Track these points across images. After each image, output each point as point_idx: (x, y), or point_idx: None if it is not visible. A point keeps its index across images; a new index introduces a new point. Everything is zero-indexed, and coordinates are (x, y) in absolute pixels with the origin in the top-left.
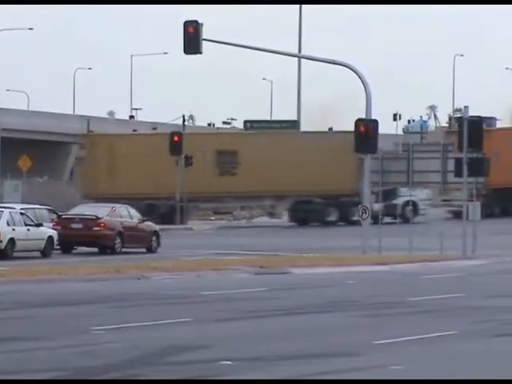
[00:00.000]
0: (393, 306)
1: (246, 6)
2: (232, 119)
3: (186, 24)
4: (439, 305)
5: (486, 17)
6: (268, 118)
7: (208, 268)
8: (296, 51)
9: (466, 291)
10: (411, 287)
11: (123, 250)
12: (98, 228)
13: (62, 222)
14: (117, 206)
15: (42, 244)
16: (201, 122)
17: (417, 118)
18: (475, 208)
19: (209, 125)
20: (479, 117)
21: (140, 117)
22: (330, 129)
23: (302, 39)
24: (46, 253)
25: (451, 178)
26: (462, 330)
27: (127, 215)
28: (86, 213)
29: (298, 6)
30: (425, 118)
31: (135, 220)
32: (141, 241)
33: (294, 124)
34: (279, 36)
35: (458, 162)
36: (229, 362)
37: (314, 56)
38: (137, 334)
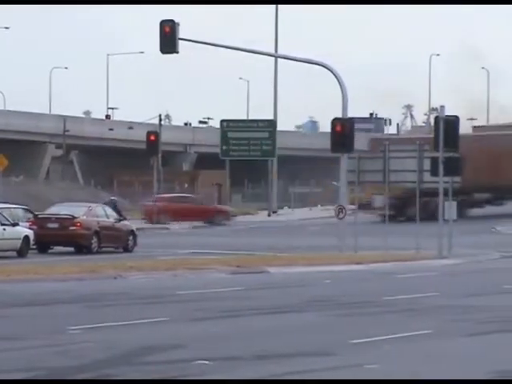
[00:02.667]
0: (368, 306)
1: (222, 6)
2: (208, 118)
3: (163, 23)
4: (414, 304)
5: (462, 16)
6: (245, 118)
7: (184, 267)
8: (273, 51)
9: (441, 290)
10: (387, 286)
11: (100, 249)
12: (74, 228)
13: (38, 222)
14: (93, 205)
15: (18, 244)
16: (177, 121)
17: (394, 118)
18: (451, 207)
19: (185, 124)
20: (456, 116)
21: (116, 116)
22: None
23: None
24: (22, 252)
25: (427, 177)
26: (437, 329)
27: (104, 215)
28: (62, 212)
29: (274, 5)
30: (315, 119)
31: (112, 219)
32: (117, 240)
33: (271, 123)
34: (256, 35)
35: (434, 161)
36: (205, 362)
37: (290, 55)
38: (113, 333)
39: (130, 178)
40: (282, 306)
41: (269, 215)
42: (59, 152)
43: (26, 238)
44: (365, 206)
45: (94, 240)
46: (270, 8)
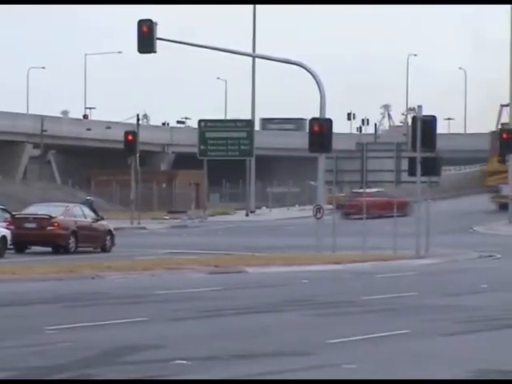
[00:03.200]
0: (346, 305)
1: (200, 6)
2: (186, 118)
3: (140, 23)
4: (392, 304)
5: (438, 16)
6: (223, 117)
7: (162, 267)
8: (250, 50)
9: (418, 290)
10: (365, 286)
11: (77, 249)
12: (51, 227)
13: (15, 222)
14: (71, 205)
15: None
16: (155, 121)
17: (371, 118)
18: (429, 207)
19: (163, 124)
20: (433, 116)
21: (94, 116)
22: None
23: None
24: None
25: (405, 177)
26: (415, 329)
27: (81, 215)
28: (40, 212)
29: (252, 5)
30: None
31: (89, 219)
32: (95, 240)
33: (248, 123)
34: (234, 35)
35: (412, 161)
36: (184, 362)
37: (267, 55)
38: (91, 333)
39: (107, 177)
40: (259, 305)
41: (247, 215)
42: (37, 152)
43: (4, 238)
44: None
45: (72, 240)
46: (250, 8)
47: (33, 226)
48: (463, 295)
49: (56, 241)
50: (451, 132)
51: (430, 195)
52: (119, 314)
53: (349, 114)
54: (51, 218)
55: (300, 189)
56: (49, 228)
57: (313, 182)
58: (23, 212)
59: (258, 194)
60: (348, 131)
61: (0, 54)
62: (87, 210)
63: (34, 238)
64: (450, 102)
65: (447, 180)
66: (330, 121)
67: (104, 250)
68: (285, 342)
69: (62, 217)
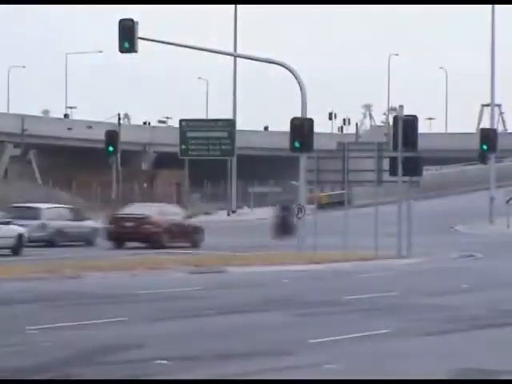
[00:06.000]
0: (328, 305)
1: (182, 6)
2: (167, 118)
3: (121, 22)
4: (374, 303)
5: (419, 16)
6: (204, 117)
7: (143, 267)
8: (232, 50)
9: (400, 290)
10: (346, 286)
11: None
12: (148, 226)
13: (114, 220)
14: (163, 205)
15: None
16: (136, 120)
17: (353, 118)
18: (410, 206)
19: (144, 123)
20: (414, 116)
21: (75, 115)
22: (266, 128)
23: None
24: (16, 250)
25: (386, 176)
26: (397, 329)
27: (173, 213)
28: (137, 212)
29: (233, 5)
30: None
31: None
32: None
33: (230, 123)
34: (216, 35)
35: (393, 161)
36: (165, 362)
37: (249, 55)
38: (72, 333)
39: (88, 177)
40: (240, 305)
41: (228, 215)
42: (17, 151)
43: (20, 236)
44: None
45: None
46: (232, 8)
47: (130, 224)
48: (445, 295)
49: (151, 238)
50: (433, 132)
51: (411, 195)
52: (100, 313)
53: (330, 114)
54: (147, 217)
55: (281, 188)
56: (145, 226)
57: (294, 182)
58: (121, 212)
59: (239, 194)
60: (329, 131)
61: None
62: (177, 209)
63: (131, 235)
64: (431, 101)
65: (431, 179)
66: (311, 120)
67: (195, 245)
68: (266, 342)
69: (157, 216)
